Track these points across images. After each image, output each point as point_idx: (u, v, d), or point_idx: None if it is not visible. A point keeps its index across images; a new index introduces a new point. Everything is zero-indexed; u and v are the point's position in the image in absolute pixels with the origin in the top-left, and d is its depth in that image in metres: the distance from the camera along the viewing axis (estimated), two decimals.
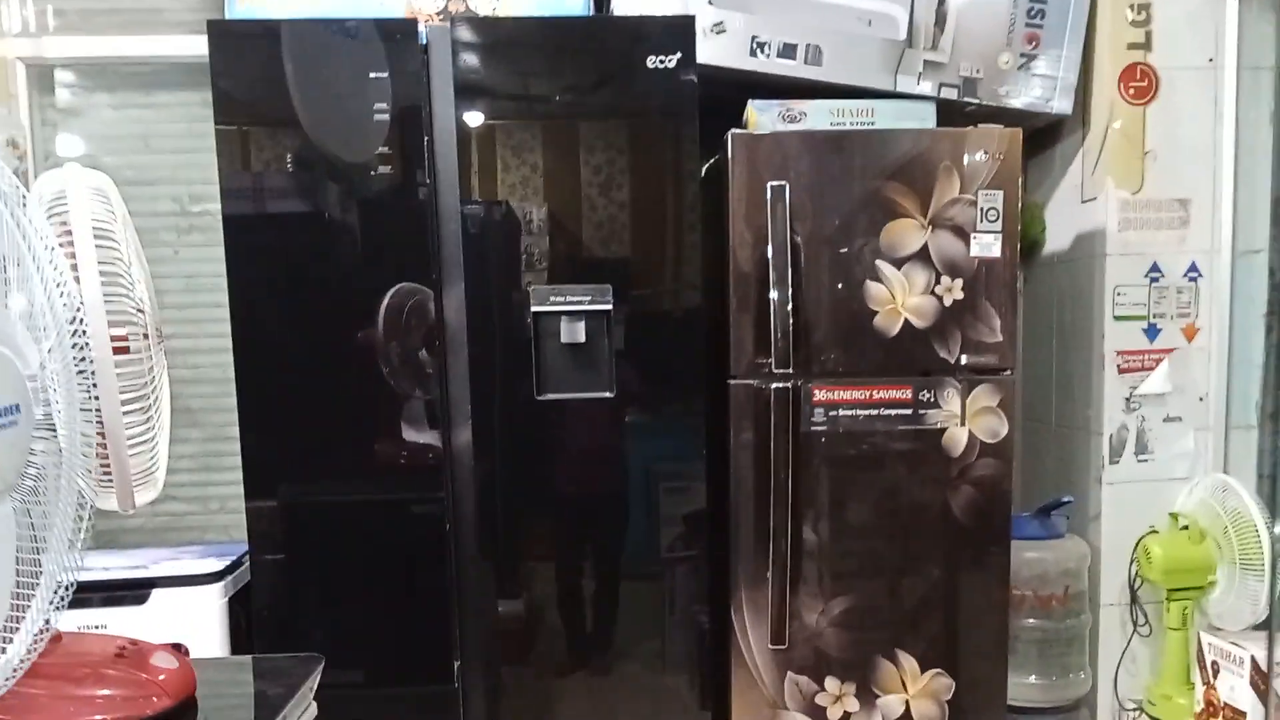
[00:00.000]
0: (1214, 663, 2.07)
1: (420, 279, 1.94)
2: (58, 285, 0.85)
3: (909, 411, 2.03)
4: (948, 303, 2.01)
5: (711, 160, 2.16)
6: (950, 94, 2.20)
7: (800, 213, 1.98)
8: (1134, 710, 2.32)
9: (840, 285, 2.01)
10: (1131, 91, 2.27)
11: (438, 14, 2.30)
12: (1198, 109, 2.30)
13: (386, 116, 1.90)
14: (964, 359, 2.03)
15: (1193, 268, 2.31)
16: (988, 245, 2.01)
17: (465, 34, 1.91)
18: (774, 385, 1.99)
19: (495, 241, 1.97)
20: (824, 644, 2.08)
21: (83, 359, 0.87)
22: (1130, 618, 2.30)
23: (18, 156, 2.43)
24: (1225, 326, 2.34)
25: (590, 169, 1.98)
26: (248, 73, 1.90)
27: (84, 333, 0.87)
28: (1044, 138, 2.48)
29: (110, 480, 1.10)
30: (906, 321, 2.02)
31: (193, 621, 2.09)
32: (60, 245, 0.91)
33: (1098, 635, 2.35)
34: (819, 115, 2.13)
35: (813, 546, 2.06)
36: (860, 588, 2.08)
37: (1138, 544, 2.25)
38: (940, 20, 2.20)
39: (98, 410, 1.00)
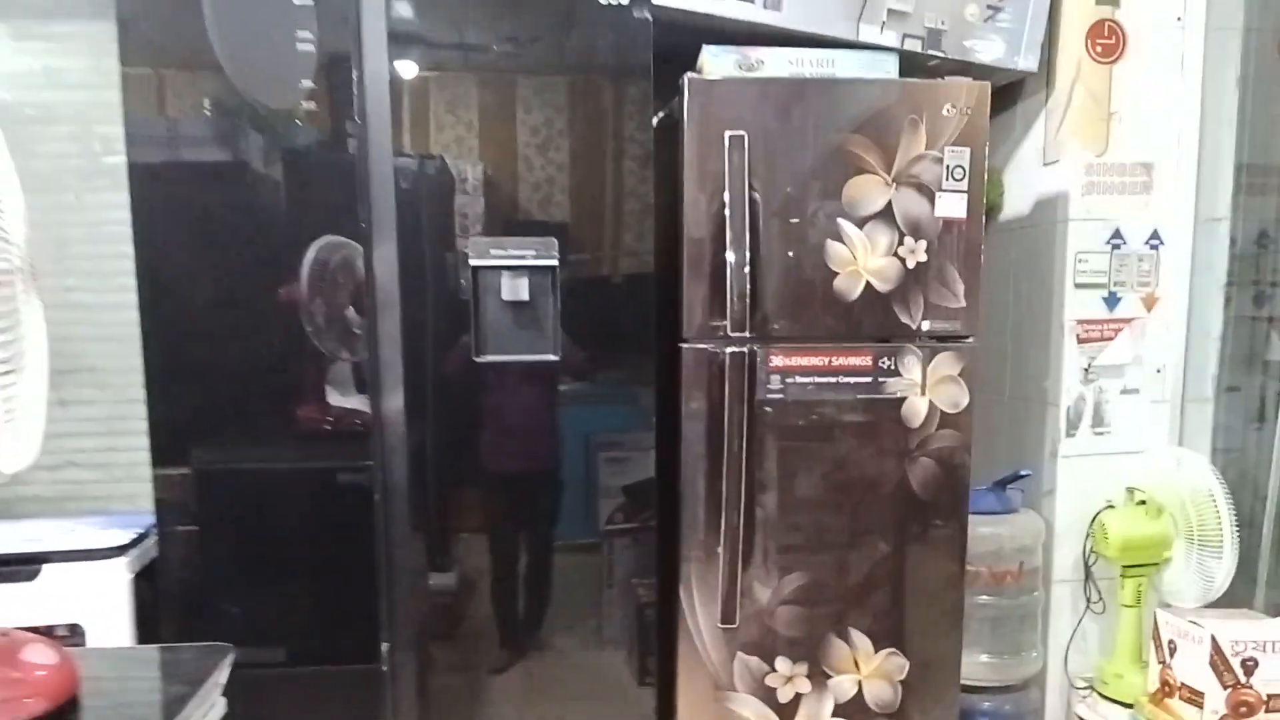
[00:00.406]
0: (1171, 641, 2.02)
1: (348, 233, 1.80)
2: None
3: (868, 380, 1.93)
4: (910, 265, 1.91)
5: (662, 114, 2.03)
6: (914, 45, 2.09)
7: (759, 166, 1.86)
8: (1085, 689, 2.27)
9: (800, 244, 1.89)
10: (1099, 49, 2.19)
11: None
12: (1164, 69, 2.22)
13: (314, 62, 1.75)
14: (926, 325, 1.93)
15: (1154, 235, 2.25)
16: (953, 205, 1.91)
17: None
18: (729, 350, 1.87)
19: (430, 197, 1.83)
20: (775, 623, 1.98)
21: None
22: (1084, 594, 2.25)
23: None
24: (1185, 296, 2.28)
25: (534, 121, 1.84)
26: (159, 7, 1.72)
27: None
28: (1004, 97, 2.39)
29: None
30: (868, 284, 1.91)
31: (92, 601, 1.92)
32: None
33: (1049, 613, 2.30)
34: (777, 64, 2.00)
35: (765, 521, 1.95)
36: (813, 564, 1.98)
37: (1094, 519, 2.19)
38: None
39: None
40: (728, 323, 1.86)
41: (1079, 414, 2.24)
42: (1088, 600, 2.24)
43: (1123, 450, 2.26)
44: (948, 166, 1.90)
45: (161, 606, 1.90)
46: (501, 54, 1.83)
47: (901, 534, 2.00)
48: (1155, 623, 2.07)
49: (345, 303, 1.83)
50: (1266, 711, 1.93)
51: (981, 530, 2.11)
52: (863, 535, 1.99)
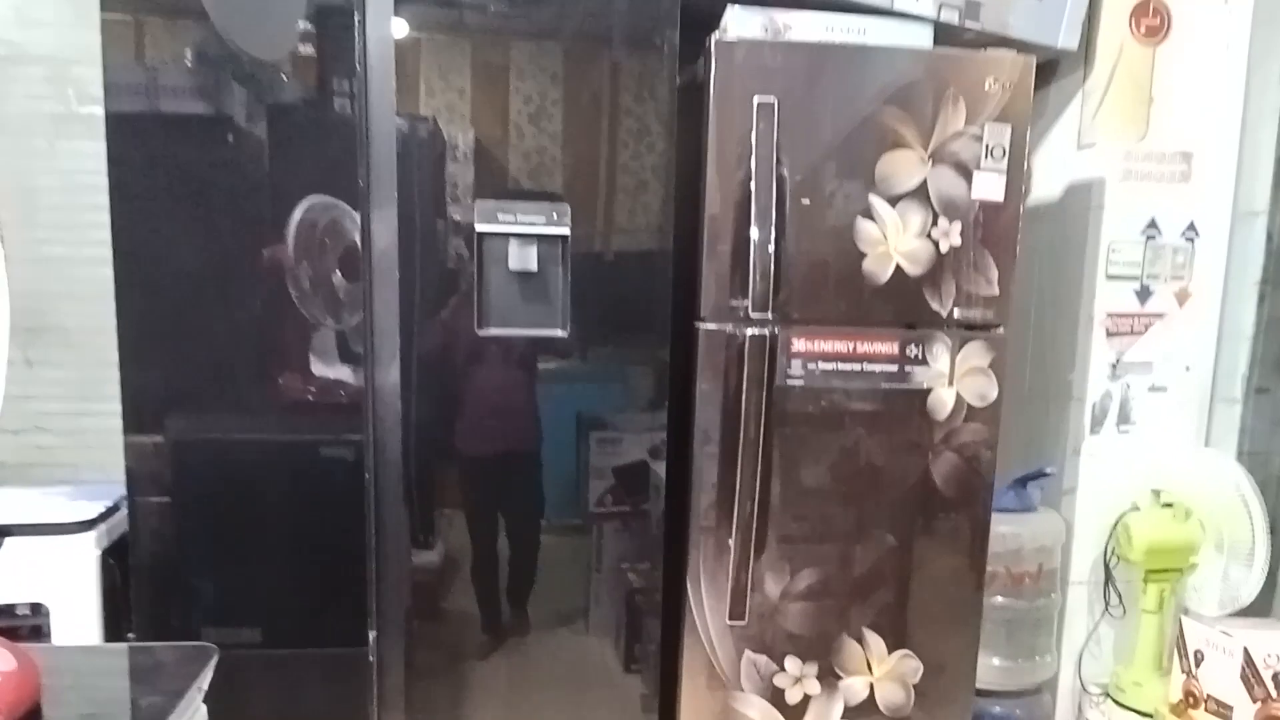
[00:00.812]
0: (1198, 651, 1.93)
1: (339, 194, 1.68)
2: None
3: (894, 368, 1.82)
4: (944, 248, 1.80)
5: (683, 79, 1.90)
6: (951, 16, 1.96)
7: (788, 135, 1.73)
8: (1099, 696, 2.18)
9: (828, 222, 1.77)
10: (1143, 29, 2.08)
11: None
12: (1209, 55, 2.12)
13: (306, 13, 1.64)
14: (956, 312, 1.82)
15: (1191, 227, 2.15)
16: (991, 186, 1.79)
17: None
18: (749, 331, 1.75)
19: (436, 160, 1.70)
20: (786, 621, 1.87)
21: None
22: (1103, 598, 2.15)
23: None
24: (1219, 293, 2.19)
25: (528, 90, 1.71)
26: None
27: None
28: (1037, 76, 2.27)
29: None
30: (898, 267, 1.79)
31: (57, 579, 1.80)
32: None
33: (1064, 616, 2.20)
34: (805, 30, 1.87)
35: (779, 513, 1.84)
36: (828, 559, 1.88)
37: (1118, 521, 2.10)
38: None
39: None
40: (749, 303, 1.73)
41: (1104, 411, 2.14)
42: (1106, 604, 2.15)
43: (1148, 450, 2.16)
44: (987, 145, 1.78)
45: (132, 585, 1.77)
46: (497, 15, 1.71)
47: (921, 531, 1.90)
48: (1181, 630, 1.98)
49: (333, 267, 1.71)
50: None
51: (1001, 529, 2.01)
52: (880, 531, 1.88)
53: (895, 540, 1.89)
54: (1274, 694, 1.83)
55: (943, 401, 1.85)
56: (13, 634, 1.20)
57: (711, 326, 1.77)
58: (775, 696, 1.89)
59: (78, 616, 1.83)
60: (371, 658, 1.80)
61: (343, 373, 1.74)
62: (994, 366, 1.85)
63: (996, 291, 1.83)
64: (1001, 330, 1.85)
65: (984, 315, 1.83)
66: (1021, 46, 2.02)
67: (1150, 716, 2.04)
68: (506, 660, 1.86)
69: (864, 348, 1.80)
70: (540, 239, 1.70)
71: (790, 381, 1.79)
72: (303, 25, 1.66)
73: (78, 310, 2.18)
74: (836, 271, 1.79)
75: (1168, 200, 2.13)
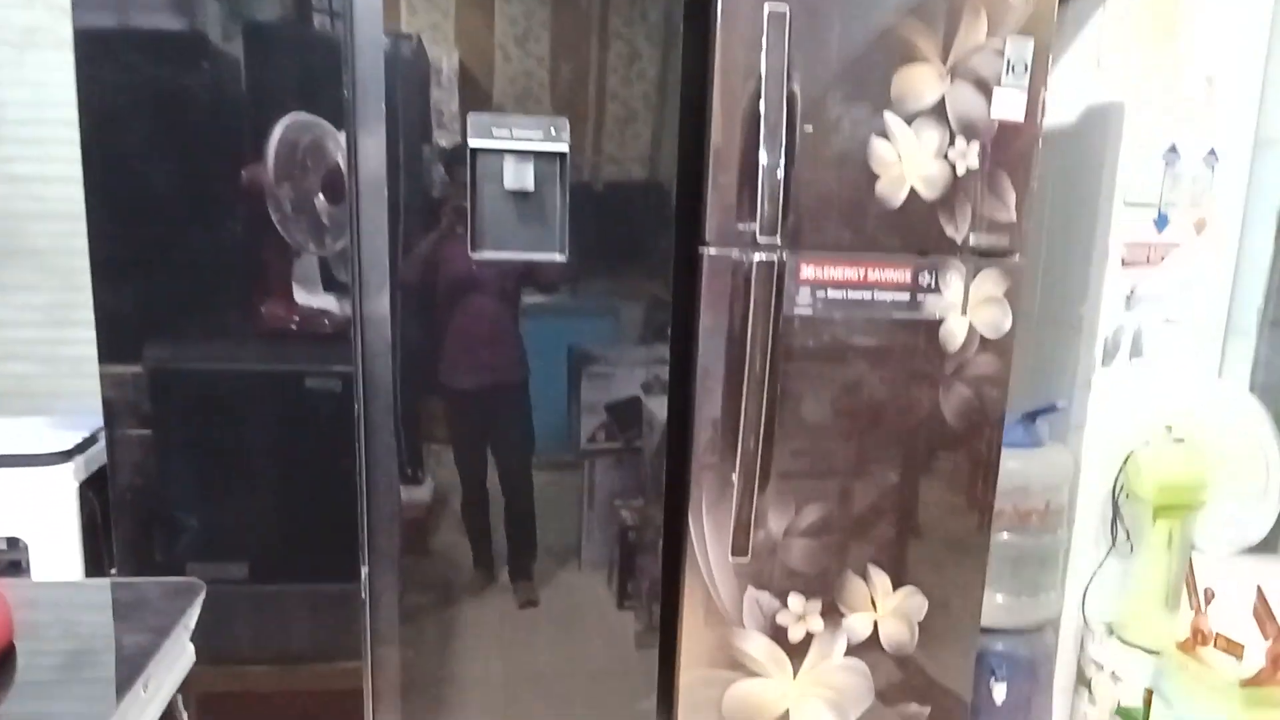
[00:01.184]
0: (1208, 589, 1.89)
1: (322, 112, 1.59)
2: None
3: (905, 297, 1.75)
4: (960, 171, 1.72)
5: None
6: None
7: (800, 48, 1.63)
8: (1103, 633, 2.15)
9: (841, 141, 1.68)
10: None
11: None
12: None
13: None
14: (972, 238, 1.75)
15: (1211, 153, 2.06)
16: (1011, 104, 1.71)
17: None
18: (756, 257, 1.67)
19: (419, 78, 1.59)
20: (790, 557, 1.82)
21: None
22: (1110, 535, 2.11)
23: None
24: (1237, 222, 2.11)
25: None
26: None
27: None
28: None
29: None
30: (912, 190, 1.71)
31: (34, 512, 1.72)
32: None
33: (1070, 554, 2.16)
34: None
35: (784, 448, 1.78)
36: (833, 495, 1.82)
37: (1128, 457, 2.05)
38: None
39: None
40: (756, 226, 1.65)
41: (1116, 343, 2.07)
42: (1113, 541, 2.11)
43: (1161, 383, 2.10)
44: (1008, 60, 1.69)
45: (113, 518, 1.71)
46: None
47: (928, 466, 1.84)
48: (1190, 568, 1.94)
49: (315, 189, 1.63)
50: None
51: (1009, 465, 1.96)
52: (887, 466, 1.83)
53: (902, 476, 1.84)
54: None
55: (955, 332, 1.78)
56: None
57: (716, 251, 1.69)
58: (777, 634, 1.85)
59: (57, 551, 1.76)
60: (364, 594, 1.75)
61: (327, 301, 1.66)
62: (1009, 296, 1.78)
63: (1014, 217, 1.75)
64: (1017, 258, 1.77)
65: (999, 242, 1.76)
66: None
67: (1156, 654, 2.01)
68: (500, 597, 1.81)
69: (875, 275, 1.73)
70: (537, 156, 1.61)
71: (798, 310, 1.72)
72: None
73: (51, 231, 2.08)
74: (848, 195, 1.70)
75: (1188, 125, 2.05)
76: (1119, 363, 2.08)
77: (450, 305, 1.66)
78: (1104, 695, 2.11)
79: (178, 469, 1.67)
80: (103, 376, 1.62)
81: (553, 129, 1.59)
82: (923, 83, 1.67)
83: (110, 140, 1.55)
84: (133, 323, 1.61)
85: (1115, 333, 2.07)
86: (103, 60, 1.54)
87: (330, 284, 1.66)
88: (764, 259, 1.67)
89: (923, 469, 1.84)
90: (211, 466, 1.68)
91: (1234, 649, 1.82)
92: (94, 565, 1.83)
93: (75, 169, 1.54)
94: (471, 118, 1.57)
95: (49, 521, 1.75)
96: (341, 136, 1.60)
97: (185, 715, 0.99)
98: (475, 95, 1.60)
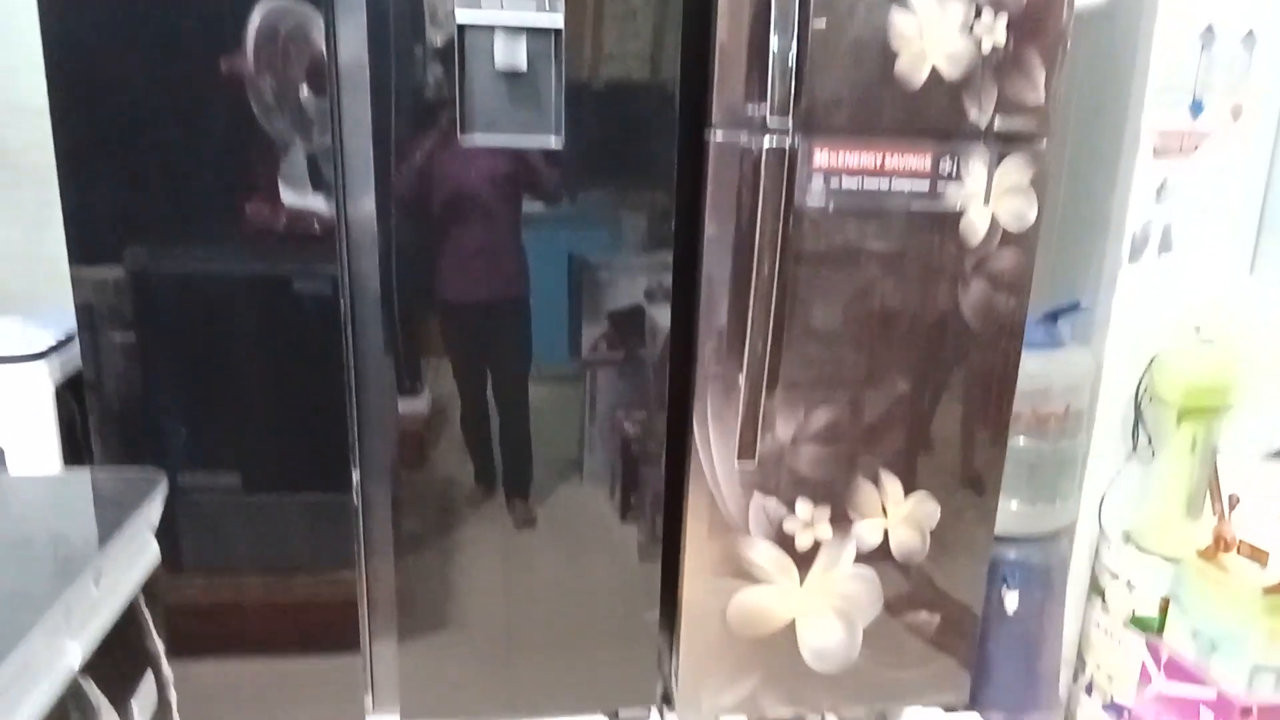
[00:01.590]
0: (1233, 495, 1.82)
1: None
2: None
3: (925, 186, 1.64)
4: (986, 48, 1.59)
5: None
6: None
7: None
8: (1120, 541, 2.09)
9: (857, 16, 1.55)
10: None
11: None
12: None
13: None
14: (997, 121, 1.63)
15: (1250, 35, 1.93)
16: None
17: None
18: (766, 142, 1.55)
19: None
20: (798, 462, 1.75)
21: None
22: (1131, 440, 2.03)
23: None
24: (1275, 109, 1.98)
25: None
26: None
27: None
28: None
29: None
30: (934, 70, 1.59)
31: (8, 414, 1.64)
32: None
33: (1087, 459, 2.09)
34: None
35: (792, 348, 1.69)
36: (843, 398, 1.74)
37: (1153, 358, 1.96)
38: None
39: None
40: (766, 107, 1.53)
41: (1145, 238, 1.96)
42: (1134, 446, 2.03)
43: (1189, 280, 2.00)
44: None
45: (92, 426, 1.64)
46: None
47: (945, 367, 1.75)
48: (1215, 472, 1.87)
49: (299, 79, 1.53)
50: None
51: (1028, 367, 1.86)
52: (901, 367, 1.74)
53: (917, 378, 1.75)
54: None
55: (976, 225, 1.67)
56: None
57: (723, 137, 1.58)
58: (784, 541, 1.79)
59: (35, 456, 1.68)
60: (356, 501, 1.68)
61: (316, 201, 1.57)
62: (1035, 184, 1.67)
63: (1042, 98, 1.63)
64: (1045, 143, 1.66)
65: (1026, 125, 1.64)
66: None
67: (1175, 561, 1.95)
68: (500, 511, 1.75)
69: (893, 162, 1.61)
70: (530, 33, 1.49)
71: (810, 202, 1.61)
72: None
73: (19, 124, 1.96)
74: (865, 75, 1.58)
75: (1225, 4, 1.90)
76: (1147, 259, 1.97)
77: (440, 203, 1.56)
78: (1118, 604, 2.06)
79: (158, 375, 1.61)
80: (74, 280, 1.54)
81: (546, 1, 1.46)
82: None
83: (74, 27, 1.45)
84: (106, 223, 1.53)
85: (1144, 227, 1.96)
86: None
87: (319, 183, 1.57)
88: (774, 144, 1.55)
89: (939, 371, 1.75)
90: (197, 373, 1.61)
91: (1258, 555, 1.76)
92: None
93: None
94: None
95: (24, 424, 1.67)
96: (322, 21, 1.48)
97: (150, 618, 0.92)
98: None
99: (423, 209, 1.56)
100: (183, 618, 1.70)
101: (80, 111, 1.47)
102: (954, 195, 1.64)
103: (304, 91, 1.53)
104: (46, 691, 0.74)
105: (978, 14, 1.57)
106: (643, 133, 1.58)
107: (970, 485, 1.83)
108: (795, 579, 1.81)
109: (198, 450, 1.65)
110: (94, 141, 1.49)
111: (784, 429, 1.72)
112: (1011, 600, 2.02)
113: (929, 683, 1.94)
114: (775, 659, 1.85)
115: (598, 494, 1.79)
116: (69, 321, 1.71)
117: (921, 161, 1.62)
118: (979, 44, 1.58)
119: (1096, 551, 2.14)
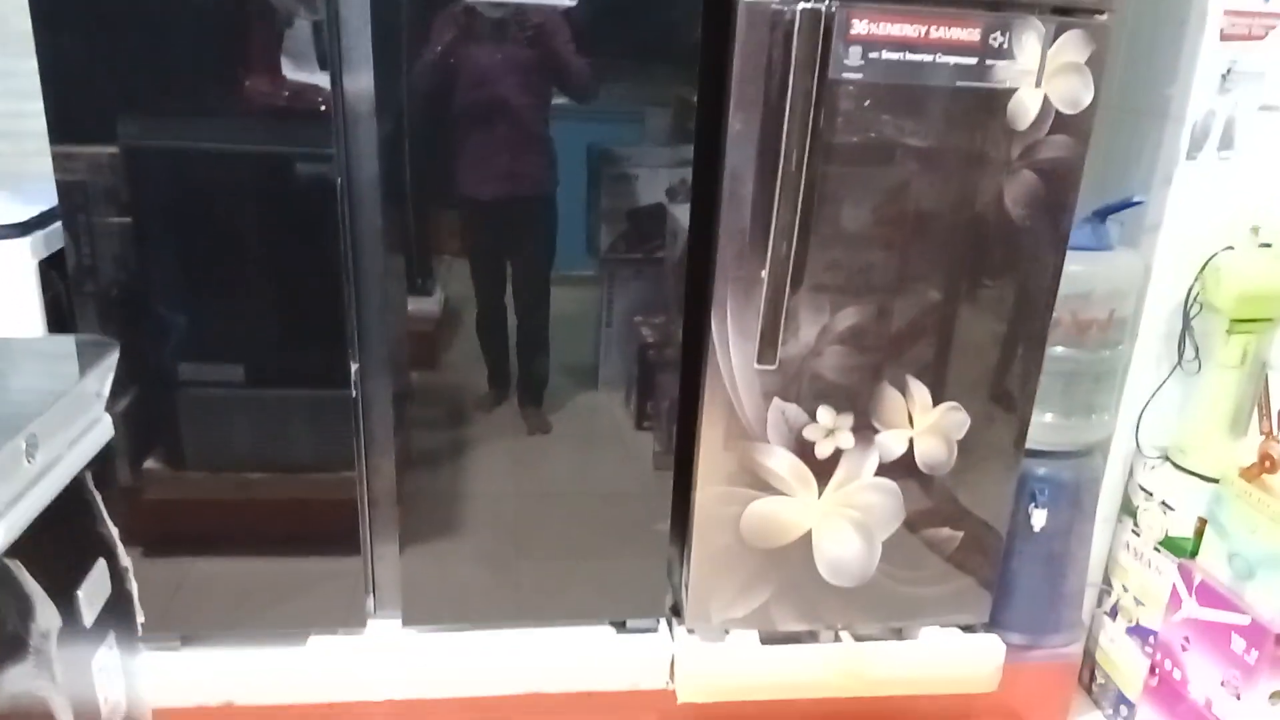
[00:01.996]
0: None
1: None
2: None
3: (973, 61, 1.49)
4: None
5: None
6: None
7: None
8: (1157, 458, 1.98)
9: None
10: None
11: None
12: None
13: None
14: None
15: None
16: None
17: None
18: (800, 4, 1.41)
19: None
20: (821, 366, 1.63)
21: None
22: (1177, 350, 1.91)
23: None
24: None
25: None
26: None
27: None
28: None
29: None
30: None
31: None
32: None
33: (1127, 370, 1.96)
34: None
35: (819, 242, 1.56)
36: (872, 299, 1.61)
37: (1206, 263, 1.82)
38: None
39: None
40: None
41: (1205, 131, 1.81)
42: (1180, 357, 1.91)
43: (1250, 179, 1.85)
44: None
45: (76, 311, 1.54)
46: None
47: (984, 266, 1.63)
48: (1266, 388, 1.75)
49: None
50: None
51: (1071, 269, 1.72)
52: (936, 265, 1.62)
53: (953, 276, 1.63)
54: None
55: (1026, 107, 1.53)
56: None
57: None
58: (803, 450, 1.68)
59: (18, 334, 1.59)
60: (354, 393, 1.59)
61: (322, 78, 1.45)
62: (1091, 63, 1.52)
63: None
64: (1106, 17, 1.50)
65: None
66: None
67: (1214, 481, 1.84)
68: (510, 415, 1.66)
69: (939, 33, 1.46)
70: None
71: (845, 74, 1.47)
72: None
73: None
74: None
75: None
76: (1206, 154, 1.82)
77: (446, 74, 1.44)
78: (1151, 525, 1.96)
79: (156, 259, 1.52)
80: (55, 157, 1.44)
81: None
82: None
83: None
84: (89, 94, 1.42)
85: (1205, 118, 1.80)
86: None
87: (325, 59, 1.45)
88: (809, 6, 1.40)
89: (977, 269, 1.63)
90: (194, 258, 1.52)
91: None
92: None
93: None
94: None
95: (5, 302, 1.57)
96: None
97: (99, 497, 0.82)
98: None
99: (426, 81, 1.44)
100: (179, 513, 1.65)
101: None
102: (1003, 72, 1.50)
103: None
104: None
105: None
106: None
107: (1002, 396, 1.72)
108: (814, 489, 1.71)
109: (198, 341, 1.56)
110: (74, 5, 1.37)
111: (807, 332, 1.61)
112: (1039, 518, 1.92)
113: (948, 601, 1.86)
114: (789, 572, 1.76)
115: (612, 400, 1.70)
116: (53, 195, 1.61)
117: (970, 33, 1.47)
118: None
119: (1130, 469, 2.03)
